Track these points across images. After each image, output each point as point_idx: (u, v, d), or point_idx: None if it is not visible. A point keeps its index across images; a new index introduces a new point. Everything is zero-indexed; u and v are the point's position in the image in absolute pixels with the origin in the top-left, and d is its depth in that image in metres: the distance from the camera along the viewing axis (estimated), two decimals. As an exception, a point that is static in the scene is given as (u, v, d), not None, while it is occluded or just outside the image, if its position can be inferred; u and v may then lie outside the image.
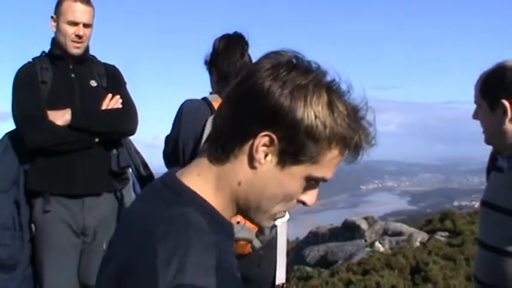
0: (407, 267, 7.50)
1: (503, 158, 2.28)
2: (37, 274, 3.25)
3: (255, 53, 2.79)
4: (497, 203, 2.25)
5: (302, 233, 14.36)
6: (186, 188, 1.19)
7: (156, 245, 1.06)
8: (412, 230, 11.29)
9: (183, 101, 2.96)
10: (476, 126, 2.39)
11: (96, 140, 3.26)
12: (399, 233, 11.12)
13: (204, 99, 2.91)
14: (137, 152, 3.56)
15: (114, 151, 3.35)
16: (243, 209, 1.22)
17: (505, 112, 2.16)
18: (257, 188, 1.18)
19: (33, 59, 3.34)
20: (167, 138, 3.00)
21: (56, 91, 3.25)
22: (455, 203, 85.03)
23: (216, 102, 2.79)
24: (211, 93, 2.97)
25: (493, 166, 2.40)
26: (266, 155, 1.15)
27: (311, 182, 1.19)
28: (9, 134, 3.28)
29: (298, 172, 1.16)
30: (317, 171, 1.16)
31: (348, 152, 1.18)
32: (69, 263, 3.25)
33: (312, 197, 1.23)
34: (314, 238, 12.82)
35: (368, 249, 10.02)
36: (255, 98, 1.13)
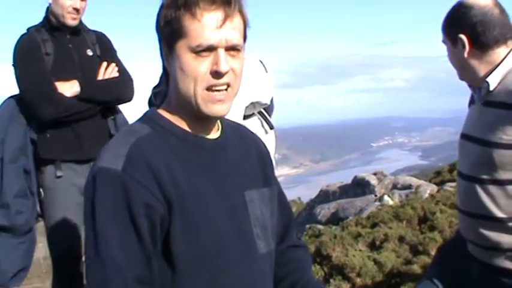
0: (415, 218, 7.55)
1: (474, 91, 2.40)
2: (45, 229, 3.42)
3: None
4: (469, 132, 2.39)
5: (315, 194, 14.29)
6: (152, 112, 1.55)
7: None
8: (421, 182, 11.29)
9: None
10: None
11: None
12: (409, 186, 11.13)
13: None
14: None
15: (111, 116, 3.53)
16: (186, 106, 1.48)
17: (463, 46, 2.28)
18: (176, 80, 1.47)
19: (28, 29, 3.42)
20: (154, 89, 3.02)
21: (58, 62, 3.36)
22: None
23: None
24: None
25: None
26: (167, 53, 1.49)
27: (203, 54, 1.43)
28: (11, 103, 3.36)
29: (180, 50, 1.44)
30: (191, 41, 1.42)
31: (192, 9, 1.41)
32: (76, 220, 3.35)
33: (218, 63, 1.44)
34: (325, 196, 12.88)
35: (377, 203, 10.09)
36: None
